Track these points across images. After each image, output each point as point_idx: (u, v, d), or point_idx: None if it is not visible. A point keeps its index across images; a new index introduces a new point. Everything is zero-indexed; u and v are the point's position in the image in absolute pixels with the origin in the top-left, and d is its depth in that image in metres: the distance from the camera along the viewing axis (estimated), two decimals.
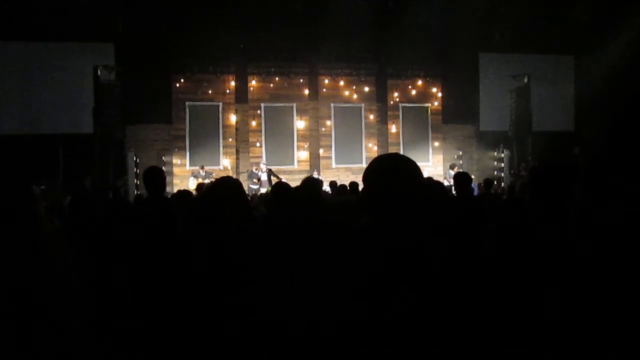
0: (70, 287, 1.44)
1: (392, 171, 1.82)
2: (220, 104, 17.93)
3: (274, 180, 14.59)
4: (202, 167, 16.34)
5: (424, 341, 1.64)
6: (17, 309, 1.32)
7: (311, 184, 4.44)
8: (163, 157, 17.19)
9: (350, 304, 1.71)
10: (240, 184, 2.72)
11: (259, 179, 16.07)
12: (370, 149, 18.61)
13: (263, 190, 14.43)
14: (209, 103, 17.84)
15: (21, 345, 1.30)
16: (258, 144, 18.14)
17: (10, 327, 1.31)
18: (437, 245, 1.77)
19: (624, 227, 1.64)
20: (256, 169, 16.65)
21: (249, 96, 17.99)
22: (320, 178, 14.46)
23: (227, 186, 2.61)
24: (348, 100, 18.81)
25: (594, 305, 1.68)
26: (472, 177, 16.57)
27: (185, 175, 16.98)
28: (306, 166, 18.15)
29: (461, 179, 5.96)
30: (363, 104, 18.93)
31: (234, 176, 16.27)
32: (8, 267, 1.36)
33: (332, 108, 18.73)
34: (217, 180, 2.76)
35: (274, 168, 16.66)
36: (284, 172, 16.79)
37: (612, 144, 1.66)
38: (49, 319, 1.35)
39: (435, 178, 5.97)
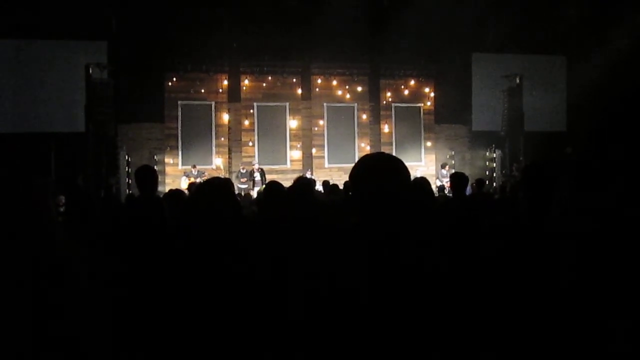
0: (79, 280, 1.44)
1: (379, 170, 1.82)
2: (213, 103, 17.89)
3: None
4: (194, 166, 16.31)
5: (410, 343, 1.64)
6: (30, 295, 1.32)
7: (304, 183, 4.43)
8: (155, 156, 17.14)
9: (338, 303, 1.71)
10: (231, 183, 2.72)
11: (252, 179, 16.10)
12: (363, 149, 18.62)
13: (256, 190, 14.44)
14: (202, 102, 17.80)
15: (32, 332, 1.30)
16: (251, 144, 18.11)
17: (22, 311, 1.31)
18: (427, 245, 1.77)
19: (609, 229, 1.65)
20: (243, 168, 16.69)
21: (242, 95, 17.97)
22: (313, 178, 14.47)
23: (216, 186, 2.60)
24: (341, 99, 18.83)
25: (588, 304, 1.69)
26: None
27: (177, 175, 16.94)
28: (299, 166, 18.15)
29: (458, 179, 5.85)
30: (356, 104, 18.95)
31: (227, 175, 16.28)
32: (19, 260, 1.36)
33: (325, 107, 18.74)
34: (206, 180, 2.76)
35: (266, 167, 16.68)
36: (277, 172, 16.81)
37: (601, 144, 1.67)
38: (60, 307, 1.35)
39: (427, 178, 5.94)
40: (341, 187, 9.07)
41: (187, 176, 15.84)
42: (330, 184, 9.64)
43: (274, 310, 2.18)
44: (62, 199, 8.95)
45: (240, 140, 17.99)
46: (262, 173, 16.10)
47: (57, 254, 1.49)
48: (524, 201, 2.54)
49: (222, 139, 17.92)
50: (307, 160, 18.24)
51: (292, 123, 18.46)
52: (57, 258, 1.47)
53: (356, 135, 18.92)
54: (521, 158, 17.20)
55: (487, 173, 18.19)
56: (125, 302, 2.79)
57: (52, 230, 1.53)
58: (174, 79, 17.45)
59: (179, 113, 17.59)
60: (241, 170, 16.66)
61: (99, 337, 1.52)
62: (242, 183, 15.81)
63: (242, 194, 12.50)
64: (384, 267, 1.70)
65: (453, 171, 17.75)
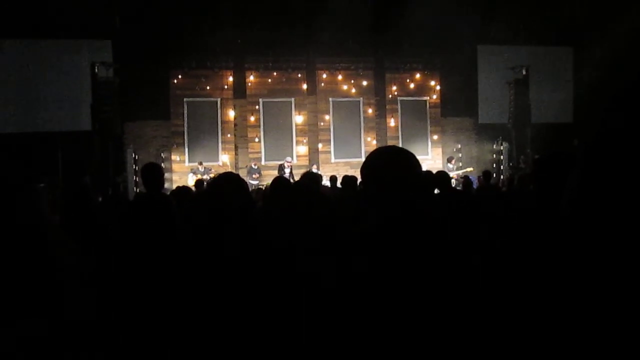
0: (74, 283, 1.44)
1: (391, 163, 1.81)
2: (219, 99, 17.90)
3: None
4: (201, 163, 16.34)
5: (418, 339, 1.63)
6: (22, 302, 1.32)
7: (310, 178, 4.43)
8: (162, 154, 17.18)
9: (342, 292, 1.71)
10: (243, 179, 2.72)
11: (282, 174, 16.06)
12: (369, 143, 18.60)
13: None
14: (207, 99, 17.81)
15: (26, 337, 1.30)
16: (257, 139, 18.12)
17: (14, 319, 1.31)
18: (436, 237, 1.76)
19: (614, 222, 1.62)
20: (255, 164, 16.74)
21: (247, 91, 17.96)
22: (319, 173, 14.46)
23: (230, 181, 2.60)
24: (346, 94, 18.79)
25: (591, 302, 1.67)
26: (471, 169, 16.64)
27: (184, 172, 16.98)
28: (305, 161, 18.15)
29: (441, 177, 5.95)
30: (361, 98, 18.92)
31: (234, 172, 16.24)
32: (12, 262, 1.36)
33: (331, 102, 18.71)
34: (220, 175, 2.77)
35: (272, 163, 16.71)
36: None
37: (607, 132, 1.64)
38: (53, 312, 1.35)
39: (432, 171, 5.97)
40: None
41: (194, 173, 15.87)
42: (347, 176, 9.40)
43: (280, 300, 2.18)
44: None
45: (247, 136, 18.00)
46: (291, 168, 16.12)
47: (49, 255, 1.48)
48: (535, 193, 2.52)
49: (228, 135, 17.93)
50: (314, 155, 18.23)
51: (298, 118, 18.45)
52: (49, 260, 1.47)
53: (362, 129, 18.89)
54: (528, 150, 17.14)
55: (494, 166, 18.13)
56: (126, 299, 2.80)
57: (43, 232, 1.52)
58: (179, 76, 17.46)
59: (185, 110, 17.62)
60: (253, 166, 16.68)
61: (93, 335, 1.52)
62: (253, 179, 15.81)
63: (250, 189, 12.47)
64: (390, 256, 1.69)
65: (460, 164, 17.80)
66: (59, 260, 1.45)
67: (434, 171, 6.26)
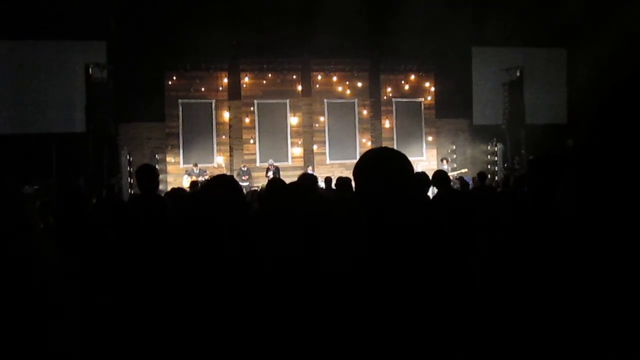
0: (58, 287, 1.43)
1: (380, 165, 1.82)
2: (213, 101, 17.87)
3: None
4: (196, 165, 16.32)
5: (417, 340, 1.64)
6: (5, 307, 1.31)
7: (308, 179, 4.44)
8: (157, 155, 17.14)
9: (337, 293, 1.71)
10: (237, 181, 2.71)
11: (269, 175, 16.09)
12: (364, 144, 18.60)
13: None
14: (202, 100, 17.77)
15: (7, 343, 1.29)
16: (252, 141, 18.09)
17: None
18: (432, 237, 1.77)
19: (612, 223, 1.62)
20: (244, 166, 16.77)
21: (242, 93, 17.95)
22: (314, 174, 14.46)
23: (224, 183, 2.60)
24: (341, 95, 18.80)
25: (589, 302, 1.67)
26: (466, 170, 16.68)
27: (179, 173, 16.94)
28: (300, 162, 18.14)
29: (441, 178, 6.00)
30: (356, 100, 18.93)
31: (228, 174, 16.24)
32: None
33: (326, 104, 18.71)
34: (213, 177, 2.76)
35: (267, 165, 16.69)
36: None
37: (599, 132, 1.65)
38: (37, 318, 1.34)
39: (427, 172, 5.98)
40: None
41: (189, 175, 15.85)
42: (341, 177, 9.38)
43: (275, 301, 2.18)
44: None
45: (241, 138, 17.98)
46: (277, 170, 16.16)
47: (29, 256, 1.47)
48: (529, 195, 2.52)
49: (223, 136, 17.91)
50: (309, 156, 18.24)
51: (293, 120, 18.44)
52: (31, 261, 1.46)
53: (357, 131, 18.89)
54: (523, 151, 17.20)
55: (489, 167, 18.18)
56: (121, 301, 2.78)
57: (22, 233, 1.51)
58: (174, 78, 17.43)
59: (180, 111, 17.57)
60: (242, 168, 16.70)
61: (72, 338, 1.51)
62: (243, 181, 15.81)
63: (245, 191, 12.47)
64: (383, 258, 1.69)
65: (455, 165, 17.84)
66: (42, 261, 1.44)
67: (429, 172, 6.27)
